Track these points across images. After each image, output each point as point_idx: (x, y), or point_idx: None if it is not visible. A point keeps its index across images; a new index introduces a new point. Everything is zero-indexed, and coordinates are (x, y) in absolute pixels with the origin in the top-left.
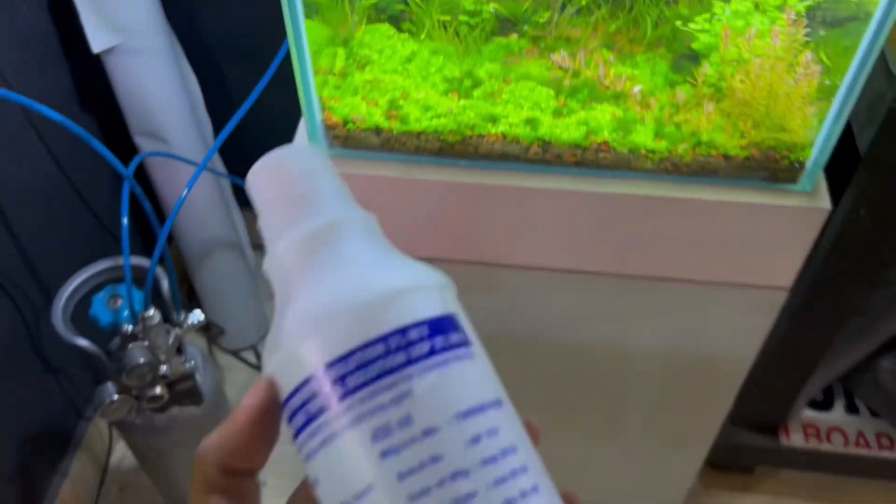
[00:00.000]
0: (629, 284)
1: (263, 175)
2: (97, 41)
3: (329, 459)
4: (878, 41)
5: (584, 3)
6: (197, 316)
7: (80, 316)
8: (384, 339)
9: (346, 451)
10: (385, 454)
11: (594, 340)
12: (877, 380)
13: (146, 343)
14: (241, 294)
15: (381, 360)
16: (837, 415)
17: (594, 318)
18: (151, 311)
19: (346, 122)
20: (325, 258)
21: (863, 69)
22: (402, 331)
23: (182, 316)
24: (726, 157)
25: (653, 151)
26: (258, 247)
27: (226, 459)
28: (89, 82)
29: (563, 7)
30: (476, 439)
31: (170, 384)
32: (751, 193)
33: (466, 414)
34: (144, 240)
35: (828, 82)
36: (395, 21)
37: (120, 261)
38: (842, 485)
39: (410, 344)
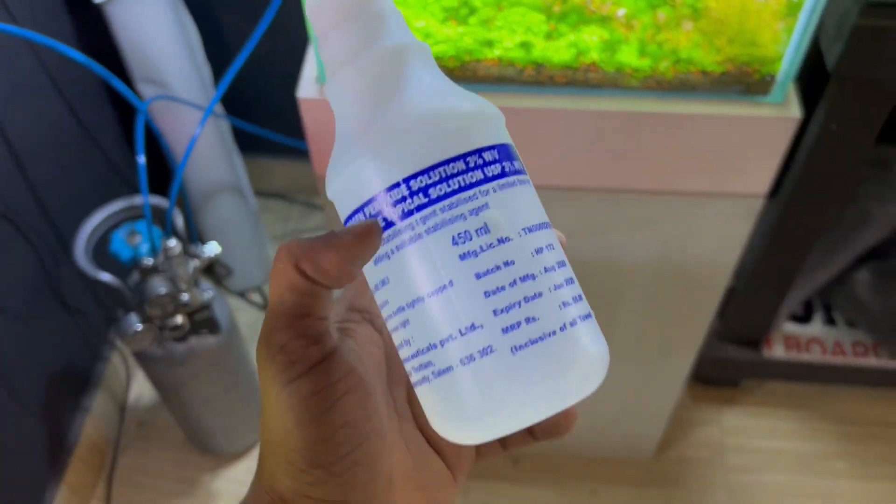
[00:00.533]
0: (618, 198)
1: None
2: None
3: (405, 260)
4: None
5: None
6: (213, 248)
7: (101, 258)
8: (464, 157)
9: (426, 252)
10: (464, 256)
11: (586, 254)
12: (852, 291)
13: (166, 274)
14: (245, 237)
15: (461, 175)
16: (816, 327)
17: (586, 232)
18: (173, 242)
19: None
20: (402, 79)
21: None
22: (479, 151)
23: (199, 247)
24: (704, 72)
25: (637, 69)
26: (260, 192)
27: (305, 263)
28: (91, 32)
29: None
30: (539, 250)
31: (189, 314)
32: (728, 106)
33: (531, 229)
34: (153, 181)
35: None
36: None
37: (135, 201)
38: (821, 394)
39: (486, 164)
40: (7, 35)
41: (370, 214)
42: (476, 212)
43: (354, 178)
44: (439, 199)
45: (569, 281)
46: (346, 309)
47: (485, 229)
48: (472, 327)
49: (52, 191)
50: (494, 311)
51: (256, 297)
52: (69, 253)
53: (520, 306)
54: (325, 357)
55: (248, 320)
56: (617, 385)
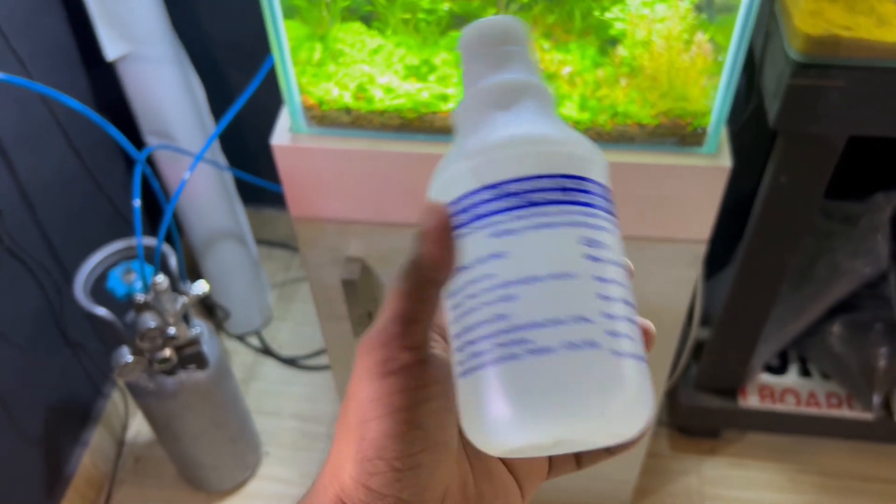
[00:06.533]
0: None
1: (480, 32)
2: (111, 50)
3: (535, 240)
4: (748, 23)
5: (525, 0)
6: (201, 286)
7: (100, 294)
8: (602, 185)
9: (558, 241)
10: (588, 258)
11: None
12: (826, 343)
13: (156, 309)
14: (245, 282)
15: (599, 197)
16: (791, 378)
17: None
18: (160, 278)
19: (321, 104)
20: (542, 107)
21: (740, 48)
22: (609, 190)
23: (188, 285)
24: (640, 125)
25: (578, 122)
26: (263, 241)
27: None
28: (104, 87)
29: (508, 4)
30: (632, 292)
31: (177, 348)
32: (665, 156)
33: (627, 270)
34: (154, 226)
35: (721, 58)
36: (367, 20)
37: (133, 242)
38: (801, 446)
39: (611, 202)
40: (20, 87)
41: (508, 192)
42: (604, 230)
43: (487, 163)
44: (582, 203)
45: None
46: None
47: (607, 247)
48: (583, 319)
49: (58, 230)
50: (604, 314)
51: (254, 341)
52: (72, 289)
53: (625, 322)
54: (419, 362)
55: (245, 362)
56: None
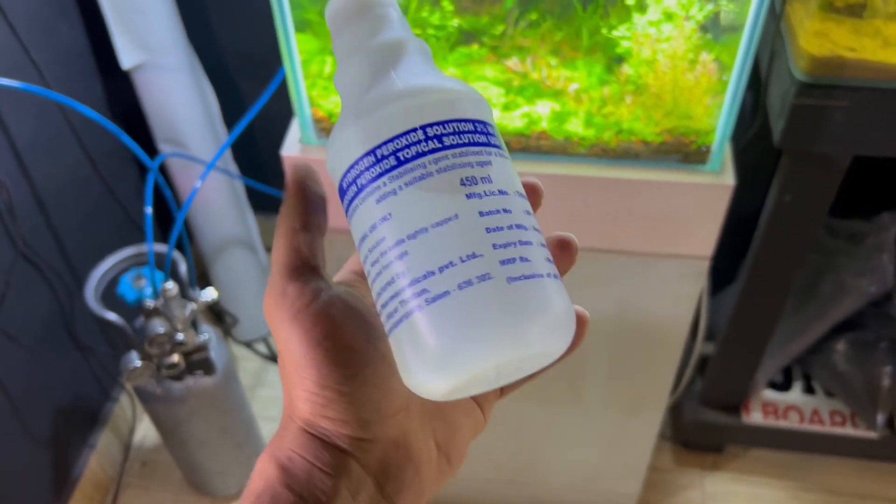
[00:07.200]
0: None
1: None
2: (127, 58)
3: (413, 195)
4: (752, 43)
5: (533, 17)
6: (210, 293)
7: (110, 299)
8: (475, 121)
9: (436, 188)
10: (470, 196)
11: None
12: (830, 361)
13: (165, 315)
14: (254, 289)
15: (472, 133)
16: (795, 395)
17: None
18: (170, 284)
19: (330, 116)
20: (406, 62)
21: (744, 67)
22: (485, 123)
23: (197, 291)
24: (645, 142)
25: (584, 138)
26: (271, 249)
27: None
28: (119, 95)
29: (517, 21)
30: (528, 212)
31: (185, 354)
32: (669, 173)
33: (521, 194)
34: (165, 233)
35: (725, 78)
36: None
37: (144, 248)
38: (805, 463)
39: (490, 133)
40: (36, 95)
41: (382, 155)
42: (482, 164)
43: (367, 127)
44: (452, 146)
45: (545, 246)
46: (351, 273)
47: (488, 179)
48: (473, 255)
49: (71, 235)
50: (494, 245)
51: (262, 348)
52: (83, 294)
53: (515, 246)
54: (321, 293)
55: (252, 369)
56: (591, 439)
